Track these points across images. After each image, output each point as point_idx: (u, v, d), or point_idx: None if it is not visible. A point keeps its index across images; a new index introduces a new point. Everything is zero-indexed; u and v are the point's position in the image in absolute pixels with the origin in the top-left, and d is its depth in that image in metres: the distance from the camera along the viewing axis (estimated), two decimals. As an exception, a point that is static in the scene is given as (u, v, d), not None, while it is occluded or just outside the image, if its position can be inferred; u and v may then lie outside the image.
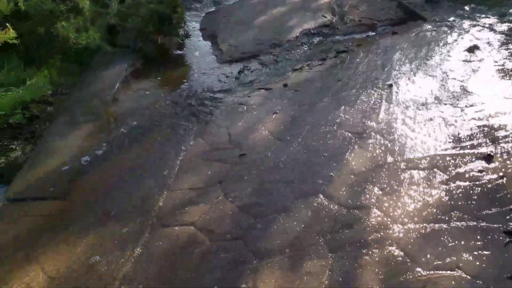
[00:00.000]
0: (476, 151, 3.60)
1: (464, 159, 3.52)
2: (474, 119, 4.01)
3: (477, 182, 3.27)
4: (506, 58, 5.00)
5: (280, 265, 2.80)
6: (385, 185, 3.35)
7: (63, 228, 3.33)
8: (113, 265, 2.95)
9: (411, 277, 2.62)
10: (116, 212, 3.43)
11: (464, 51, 5.33)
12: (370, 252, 2.81)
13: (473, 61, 5.08)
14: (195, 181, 3.69)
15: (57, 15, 5.81)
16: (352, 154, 3.74)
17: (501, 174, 3.31)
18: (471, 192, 3.19)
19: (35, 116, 4.87)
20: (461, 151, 3.62)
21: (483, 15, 6.22)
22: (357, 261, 2.76)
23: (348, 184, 3.41)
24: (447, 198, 3.17)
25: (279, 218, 3.18)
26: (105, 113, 4.94)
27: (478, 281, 2.54)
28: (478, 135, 3.79)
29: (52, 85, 5.39)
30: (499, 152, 3.54)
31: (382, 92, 4.67)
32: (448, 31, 5.91)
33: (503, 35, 5.56)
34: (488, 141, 3.69)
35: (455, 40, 5.64)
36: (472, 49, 5.33)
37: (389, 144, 3.82)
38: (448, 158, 3.56)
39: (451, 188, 3.25)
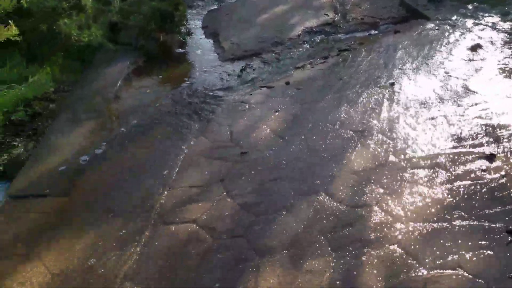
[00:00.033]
0: (478, 150, 3.59)
1: (466, 158, 3.52)
2: (477, 118, 4.00)
3: (479, 181, 3.27)
4: (509, 57, 4.98)
5: (281, 263, 2.80)
6: (387, 184, 3.35)
7: (65, 225, 3.34)
8: (115, 262, 2.96)
9: (412, 276, 2.62)
10: (117, 209, 3.44)
11: (467, 50, 5.32)
12: (372, 251, 2.81)
13: (476, 60, 5.06)
14: (196, 179, 3.69)
15: (59, 12, 5.82)
16: (354, 153, 3.74)
17: (503, 173, 3.31)
18: (473, 191, 3.19)
19: (37, 113, 4.88)
20: (463, 150, 3.61)
21: (486, 14, 6.19)
22: (359, 260, 2.76)
23: (349, 183, 3.41)
24: (449, 197, 3.17)
25: (280, 216, 3.18)
26: (107, 110, 4.94)
27: (479, 280, 2.54)
28: (481, 134, 3.78)
29: (54, 82, 5.39)
30: (501, 152, 3.53)
31: (384, 90, 4.67)
32: (451, 30, 5.88)
33: (506, 34, 5.53)
34: (490, 140, 3.68)
35: (458, 39, 5.62)
36: (475, 48, 5.32)
37: (391, 143, 3.81)
38: (450, 157, 3.55)
39: (453, 187, 3.25)
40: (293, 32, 6.52)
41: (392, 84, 4.76)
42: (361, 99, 4.55)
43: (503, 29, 5.68)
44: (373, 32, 6.38)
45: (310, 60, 5.68)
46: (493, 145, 3.62)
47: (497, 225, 2.88)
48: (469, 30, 5.80)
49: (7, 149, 4.30)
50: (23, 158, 4.21)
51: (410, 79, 4.84)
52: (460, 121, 4.00)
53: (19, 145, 4.39)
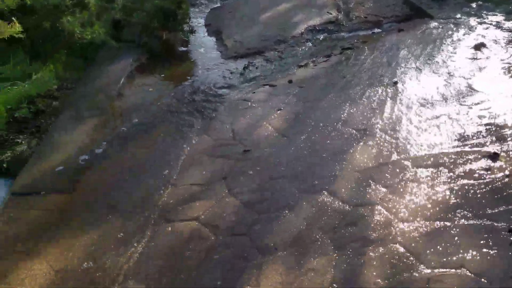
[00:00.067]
0: (481, 149, 3.58)
1: (470, 158, 3.51)
2: (480, 117, 3.99)
3: (483, 181, 3.26)
4: (513, 56, 4.96)
5: (283, 261, 2.81)
6: (389, 183, 3.35)
7: (68, 222, 3.35)
8: (118, 258, 2.97)
9: (415, 274, 2.62)
10: (120, 206, 3.45)
11: (470, 48, 5.29)
12: (374, 249, 2.81)
13: (480, 59, 5.04)
14: (199, 177, 3.69)
15: (62, 10, 5.82)
16: (357, 152, 3.73)
17: (507, 172, 3.30)
18: (476, 190, 3.18)
19: (40, 110, 4.89)
20: (467, 149, 3.60)
21: (490, 13, 6.16)
22: (361, 258, 2.76)
23: (352, 181, 3.41)
24: (452, 196, 3.16)
25: (283, 214, 3.18)
26: (110, 108, 4.95)
27: (482, 280, 2.54)
28: (484, 133, 3.77)
29: (58, 79, 5.40)
30: (505, 151, 3.52)
31: (387, 89, 4.65)
32: (455, 29, 5.86)
33: (511, 33, 5.50)
34: (494, 139, 3.67)
35: (462, 38, 5.60)
36: (478, 46, 5.29)
37: (393, 142, 3.81)
38: (453, 156, 3.54)
39: (456, 186, 3.24)
40: (296, 30, 6.51)
41: (395, 83, 4.75)
42: (364, 97, 4.54)
43: (508, 28, 5.66)
44: (376, 30, 6.36)
45: (313, 59, 5.67)
46: (496, 144, 3.61)
47: (500, 224, 2.87)
48: (473, 29, 5.78)
49: (11, 146, 4.31)
50: (27, 155, 4.22)
51: (413, 78, 4.83)
52: (463, 120, 3.98)
53: (23, 142, 4.40)
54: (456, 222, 2.94)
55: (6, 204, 3.62)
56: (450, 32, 5.77)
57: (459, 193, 3.18)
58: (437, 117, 4.07)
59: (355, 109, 4.36)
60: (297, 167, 3.64)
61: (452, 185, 3.26)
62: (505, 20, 5.89)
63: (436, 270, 2.62)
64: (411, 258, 2.72)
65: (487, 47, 5.25)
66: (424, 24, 6.15)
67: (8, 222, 3.40)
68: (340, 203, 3.22)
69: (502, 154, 3.49)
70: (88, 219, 3.35)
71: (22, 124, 4.66)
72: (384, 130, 3.98)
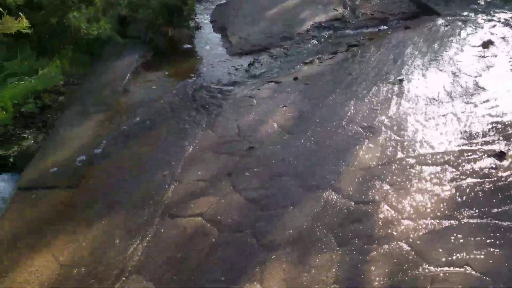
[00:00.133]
0: (488, 148, 3.55)
1: (476, 156, 3.48)
2: (487, 115, 3.96)
3: (489, 179, 3.24)
4: (521, 54, 4.91)
5: (287, 258, 2.81)
6: (394, 181, 3.34)
7: (74, 216, 3.37)
8: (123, 253, 2.99)
9: (419, 273, 2.61)
10: (125, 201, 3.46)
11: (478, 46, 5.25)
12: (379, 247, 2.80)
13: (487, 56, 4.99)
14: (203, 173, 3.70)
15: (69, 6, 5.85)
16: (362, 149, 3.72)
17: (513, 171, 3.27)
18: (482, 189, 3.16)
19: (47, 105, 4.92)
20: (473, 148, 3.58)
21: (499, 10, 6.10)
22: (365, 256, 2.75)
23: (357, 179, 3.40)
24: (457, 194, 3.14)
25: (287, 211, 3.18)
26: (116, 103, 4.97)
27: (487, 279, 2.53)
28: (491, 131, 3.74)
29: (64, 75, 5.43)
30: (511, 150, 3.49)
31: (393, 87, 4.63)
32: (462, 26, 5.81)
33: (519, 31, 5.46)
34: (500, 138, 3.64)
35: (469, 35, 5.55)
36: (486, 44, 5.25)
37: (399, 139, 3.79)
38: (459, 155, 3.52)
39: (462, 185, 3.22)
40: (302, 27, 6.49)
41: (401, 80, 4.72)
42: (370, 95, 4.52)
43: (516, 26, 5.60)
44: (382, 27, 6.32)
45: (318, 56, 5.65)
46: (503, 143, 3.58)
47: (506, 223, 2.85)
48: (481, 26, 5.73)
49: (17, 141, 4.35)
50: (33, 150, 4.25)
51: (419, 76, 4.80)
52: (469, 118, 3.96)
53: (29, 137, 4.43)
54: (461, 220, 2.92)
55: (13, 199, 3.65)
56: (457, 30, 5.73)
57: (465, 191, 3.16)
58: (443, 115, 4.05)
59: (360, 106, 4.35)
60: (302, 164, 3.64)
61: (457, 183, 3.24)
62: (513, 17, 5.84)
63: (440, 269, 2.62)
64: (416, 256, 2.71)
65: (495, 45, 5.20)
66: (431, 21, 6.11)
67: (15, 216, 3.44)
68: (345, 200, 3.21)
69: (509, 153, 3.46)
70: (94, 213, 3.37)
71: (28, 119, 4.70)
72: (390, 127, 3.96)
